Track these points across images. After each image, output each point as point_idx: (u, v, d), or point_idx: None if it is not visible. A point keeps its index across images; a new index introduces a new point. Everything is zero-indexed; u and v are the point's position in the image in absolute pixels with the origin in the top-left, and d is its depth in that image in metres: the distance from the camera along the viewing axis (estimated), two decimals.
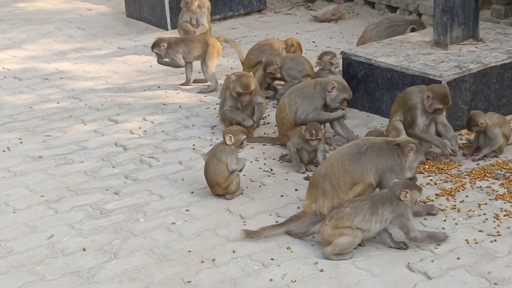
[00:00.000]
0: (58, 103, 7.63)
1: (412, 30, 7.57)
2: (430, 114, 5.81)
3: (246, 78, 6.43)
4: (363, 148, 5.05)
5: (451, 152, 5.76)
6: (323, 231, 4.81)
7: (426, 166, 5.81)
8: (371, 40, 7.56)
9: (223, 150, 5.58)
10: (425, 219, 5.13)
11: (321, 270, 4.66)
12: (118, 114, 7.25)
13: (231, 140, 5.57)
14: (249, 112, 6.56)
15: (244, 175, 5.86)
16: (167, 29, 9.55)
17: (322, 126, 6.17)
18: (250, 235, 5.01)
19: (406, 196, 4.74)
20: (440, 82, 6.17)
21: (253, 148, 6.36)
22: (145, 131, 6.85)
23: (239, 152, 5.69)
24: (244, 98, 6.43)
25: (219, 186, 5.57)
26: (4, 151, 6.63)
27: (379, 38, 7.52)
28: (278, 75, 7.10)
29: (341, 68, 7.00)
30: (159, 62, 7.92)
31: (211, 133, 6.72)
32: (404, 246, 4.81)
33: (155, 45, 7.80)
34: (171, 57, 7.77)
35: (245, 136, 5.67)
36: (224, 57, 8.41)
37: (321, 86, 6.18)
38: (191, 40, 7.83)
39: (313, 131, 5.82)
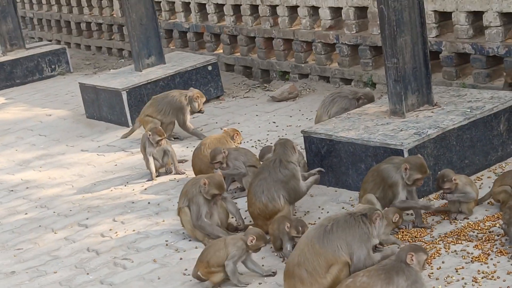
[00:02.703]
0: (26, 214, 7.58)
1: (358, 100, 7.74)
2: (410, 186, 5.90)
3: (218, 177, 6.38)
4: (329, 226, 5.05)
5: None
6: None
7: (400, 236, 5.84)
8: (322, 117, 7.71)
9: (236, 243, 5.55)
10: None
11: None
12: (87, 218, 7.21)
13: (251, 242, 5.53)
14: (219, 211, 6.39)
15: None
16: (128, 126, 9.59)
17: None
18: None
19: (412, 260, 4.74)
20: (401, 151, 6.27)
21: None
22: (116, 232, 6.81)
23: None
24: (218, 198, 6.31)
25: (207, 266, 5.50)
26: None
27: (328, 113, 7.68)
28: (225, 165, 7.00)
29: (303, 146, 7.10)
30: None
31: (182, 226, 6.69)
32: None
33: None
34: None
35: (264, 245, 5.63)
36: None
37: (287, 160, 6.27)
38: None
39: (300, 228, 5.75)
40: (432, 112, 6.87)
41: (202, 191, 6.28)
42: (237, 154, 7.10)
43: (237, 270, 5.53)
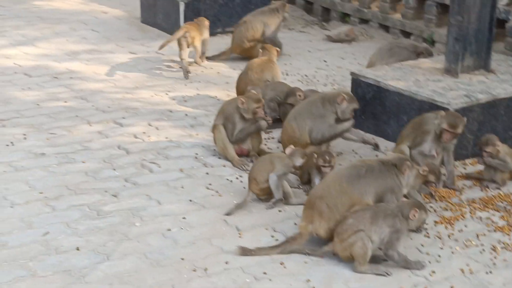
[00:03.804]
0: (65, 102, 7.64)
1: (419, 54, 7.58)
2: (439, 139, 5.78)
3: (255, 94, 6.41)
4: (362, 170, 5.03)
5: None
6: (336, 249, 4.83)
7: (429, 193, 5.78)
8: (375, 64, 7.57)
9: (282, 160, 5.63)
10: (422, 245, 5.10)
11: None
12: (123, 118, 7.26)
13: (292, 158, 5.63)
14: (253, 135, 6.40)
15: (244, 188, 5.84)
16: None
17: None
18: (245, 252, 4.97)
19: (415, 215, 4.77)
20: (447, 109, 6.15)
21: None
22: (149, 136, 6.85)
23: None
24: (258, 114, 6.28)
25: (256, 184, 5.59)
26: (7, 145, 6.62)
27: (383, 60, 7.54)
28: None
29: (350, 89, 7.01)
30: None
31: (215, 143, 6.69)
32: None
33: None
34: None
35: (302, 160, 5.68)
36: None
37: (329, 102, 6.19)
38: None
39: (327, 157, 5.75)
40: (487, 77, 6.72)
41: (242, 111, 6.27)
42: (273, 94, 6.99)
43: (281, 185, 5.59)
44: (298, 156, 5.66)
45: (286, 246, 4.99)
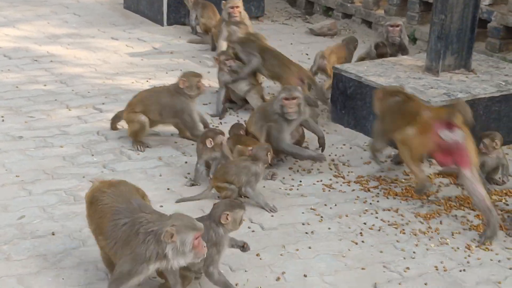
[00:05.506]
0: (45, 85, 7.58)
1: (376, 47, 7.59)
2: None
3: (191, 71, 6.54)
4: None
5: None
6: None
7: (405, 190, 5.81)
8: None
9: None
10: (397, 241, 5.13)
11: (287, 281, 4.65)
12: (103, 103, 7.21)
13: (211, 143, 5.70)
14: None
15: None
16: (162, 25, 9.53)
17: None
18: None
19: (227, 219, 4.27)
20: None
21: None
22: None
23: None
24: (202, 85, 6.26)
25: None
26: None
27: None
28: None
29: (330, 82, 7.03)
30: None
31: None
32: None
33: None
34: None
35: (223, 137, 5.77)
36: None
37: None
38: None
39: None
40: (467, 77, 6.76)
41: (186, 90, 6.21)
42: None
43: None
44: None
45: None
